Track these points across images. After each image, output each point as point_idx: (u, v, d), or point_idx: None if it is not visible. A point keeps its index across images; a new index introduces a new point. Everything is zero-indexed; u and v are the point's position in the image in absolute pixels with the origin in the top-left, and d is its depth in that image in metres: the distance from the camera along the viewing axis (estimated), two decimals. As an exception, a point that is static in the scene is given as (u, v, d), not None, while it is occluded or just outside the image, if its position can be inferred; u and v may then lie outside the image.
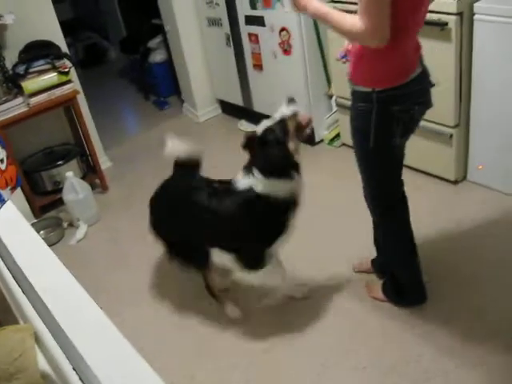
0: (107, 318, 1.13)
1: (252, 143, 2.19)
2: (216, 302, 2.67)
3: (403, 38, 1.82)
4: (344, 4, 3.18)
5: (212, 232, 2.36)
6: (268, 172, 2.17)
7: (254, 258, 2.32)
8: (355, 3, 1.70)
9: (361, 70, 1.94)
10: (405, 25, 1.78)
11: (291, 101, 2.21)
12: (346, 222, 3.05)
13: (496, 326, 2.28)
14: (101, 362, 1.02)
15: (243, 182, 2.24)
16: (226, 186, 2.33)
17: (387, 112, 1.91)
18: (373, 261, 2.61)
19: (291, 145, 2.16)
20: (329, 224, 3.09)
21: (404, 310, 2.43)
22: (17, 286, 1.28)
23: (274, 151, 2.16)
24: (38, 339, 1.16)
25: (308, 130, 2.26)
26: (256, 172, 2.19)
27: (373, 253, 2.56)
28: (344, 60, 2.20)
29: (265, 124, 2.21)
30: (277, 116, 2.20)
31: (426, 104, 2.03)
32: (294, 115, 2.19)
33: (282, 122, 2.17)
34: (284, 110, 2.19)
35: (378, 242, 2.47)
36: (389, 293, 2.45)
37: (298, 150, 2.20)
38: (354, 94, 2.01)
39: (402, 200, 2.24)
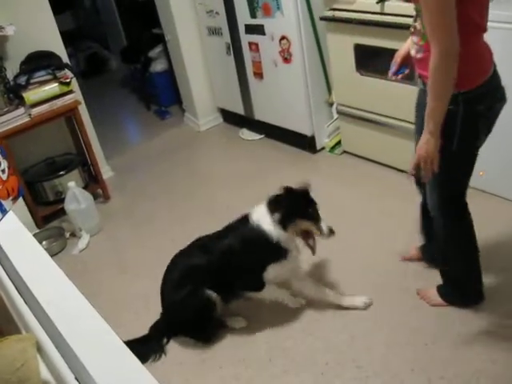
0: (109, 327, 1.13)
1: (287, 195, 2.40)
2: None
3: (478, 38, 1.88)
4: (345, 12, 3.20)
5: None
6: (282, 221, 2.35)
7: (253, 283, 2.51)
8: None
9: None
10: (477, 26, 1.84)
11: (331, 231, 2.38)
12: (353, 227, 3.05)
13: None
14: (103, 371, 1.02)
15: (259, 217, 2.42)
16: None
17: (473, 112, 1.92)
18: (423, 248, 2.62)
19: (297, 222, 2.37)
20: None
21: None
22: (19, 296, 1.28)
23: (293, 205, 2.38)
24: (40, 349, 1.16)
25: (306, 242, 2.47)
26: (276, 216, 2.36)
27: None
28: (400, 76, 2.26)
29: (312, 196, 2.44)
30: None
31: (504, 99, 2.03)
32: (319, 230, 2.37)
33: (315, 214, 2.39)
34: (323, 223, 2.38)
35: (426, 229, 2.47)
36: (449, 295, 2.43)
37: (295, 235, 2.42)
38: None
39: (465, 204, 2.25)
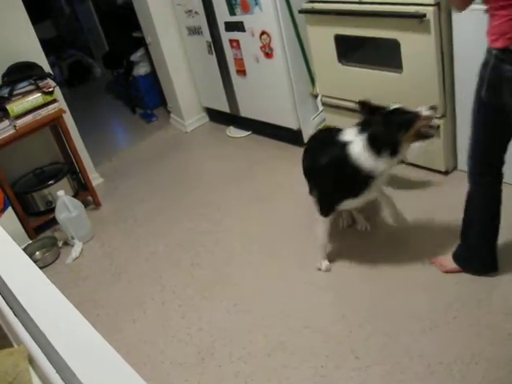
0: (102, 337, 1.12)
1: (368, 109, 2.41)
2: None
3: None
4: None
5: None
6: (368, 141, 2.35)
7: (324, 206, 2.63)
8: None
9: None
10: None
11: (433, 108, 2.35)
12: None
13: None
14: (97, 382, 1.01)
15: (350, 135, 2.44)
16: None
17: (500, 69, 1.92)
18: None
19: (406, 136, 2.34)
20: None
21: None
22: (8, 308, 1.26)
23: (389, 130, 2.32)
24: (32, 361, 1.15)
25: (422, 143, 2.43)
26: (362, 133, 2.38)
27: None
28: None
29: (399, 106, 2.38)
30: (415, 109, 2.35)
31: None
32: (427, 118, 2.34)
33: (414, 116, 2.33)
34: (423, 110, 2.33)
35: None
36: (462, 260, 2.46)
37: (407, 144, 2.37)
38: None
39: (498, 173, 2.23)
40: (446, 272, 2.52)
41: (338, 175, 2.52)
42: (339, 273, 2.75)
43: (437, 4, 2.68)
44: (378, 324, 2.39)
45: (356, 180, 2.45)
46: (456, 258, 2.49)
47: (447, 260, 2.53)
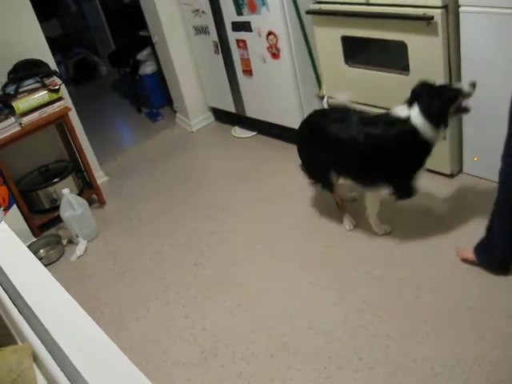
0: (106, 335, 1.12)
1: (424, 88, 2.56)
2: (339, 211, 3.07)
3: None
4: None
5: (359, 157, 2.72)
6: (427, 112, 2.52)
7: (406, 188, 2.71)
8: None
9: None
10: None
11: (473, 85, 2.51)
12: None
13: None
14: (101, 380, 1.01)
15: (404, 111, 2.57)
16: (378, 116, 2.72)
17: None
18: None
19: (451, 108, 2.55)
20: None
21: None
22: (13, 306, 1.27)
23: (441, 101, 2.52)
24: (36, 359, 1.15)
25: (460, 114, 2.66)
26: (417, 107, 2.53)
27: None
28: None
29: (445, 82, 2.65)
30: (457, 85, 2.59)
31: None
32: (467, 95, 2.53)
33: (457, 90, 2.53)
34: (465, 86, 2.53)
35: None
36: (480, 252, 2.47)
37: (451, 117, 2.59)
38: None
39: None
40: (462, 260, 2.56)
41: (411, 149, 2.62)
42: (342, 273, 2.74)
43: (444, 6, 2.67)
44: (381, 325, 2.39)
45: (425, 150, 2.62)
46: (476, 250, 2.49)
47: (468, 250, 2.54)
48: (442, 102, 2.51)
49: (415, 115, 2.53)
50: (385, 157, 2.65)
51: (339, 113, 2.82)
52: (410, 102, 2.57)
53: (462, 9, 2.69)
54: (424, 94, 2.53)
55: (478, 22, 2.66)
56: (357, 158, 2.72)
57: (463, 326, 2.28)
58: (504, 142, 2.21)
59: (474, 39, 2.70)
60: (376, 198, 2.85)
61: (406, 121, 2.55)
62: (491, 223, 2.39)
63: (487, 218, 2.39)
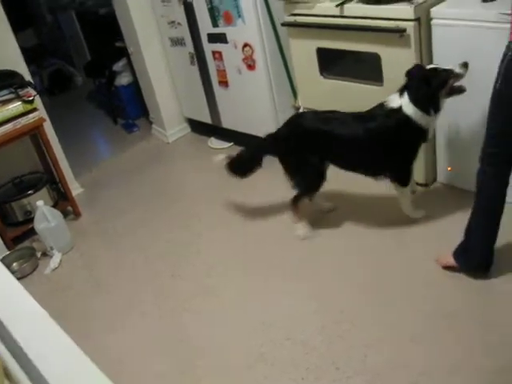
0: (80, 349, 1.10)
1: (415, 72, 2.64)
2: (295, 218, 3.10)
3: None
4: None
5: (357, 151, 2.83)
6: (415, 100, 2.60)
7: (405, 175, 2.85)
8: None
9: None
10: None
11: (465, 65, 2.53)
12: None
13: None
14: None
15: (397, 100, 2.66)
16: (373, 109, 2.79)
17: None
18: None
19: (443, 92, 2.59)
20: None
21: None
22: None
23: (428, 88, 2.58)
24: (8, 375, 1.13)
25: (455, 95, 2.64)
26: (406, 96, 2.62)
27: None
28: None
29: (435, 65, 2.65)
30: (447, 66, 2.58)
31: None
32: (459, 76, 2.55)
33: (448, 73, 2.56)
34: (456, 68, 2.55)
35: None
36: (459, 256, 2.49)
37: (444, 99, 2.63)
38: None
39: (508, 167, 2.26)
40: (444, 267, 2.57)
41: (408, 137, 2.71)
42: (319, 283, 2.75)
43: (417, 19, 2.72)
44: (359, 335, 2.39)
45: (421, 136, 2.71)
46: (455, 254, 2.52)
47: (448, 256, 2.56)
48: (430, 88, 2.57)
49: (405, 104, 2.62)
50: (385, 147, 2.76)
51: (329, 113, 2.90)
52: (401, 91, 2.66)
53: (433, 21, 2.73)
54: (413, 81, 2.62)
55: (450, 35, 2.70)
56: (359, 152, 2.83)
57: (441, 333, 2.30)
58: (482, 143, 2.27)
59: (446, 51, 2.75)
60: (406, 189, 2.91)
61: (399, 111, 2.64)
62: (469, 226, 2.43)
63: (464, 224, 2.42)
